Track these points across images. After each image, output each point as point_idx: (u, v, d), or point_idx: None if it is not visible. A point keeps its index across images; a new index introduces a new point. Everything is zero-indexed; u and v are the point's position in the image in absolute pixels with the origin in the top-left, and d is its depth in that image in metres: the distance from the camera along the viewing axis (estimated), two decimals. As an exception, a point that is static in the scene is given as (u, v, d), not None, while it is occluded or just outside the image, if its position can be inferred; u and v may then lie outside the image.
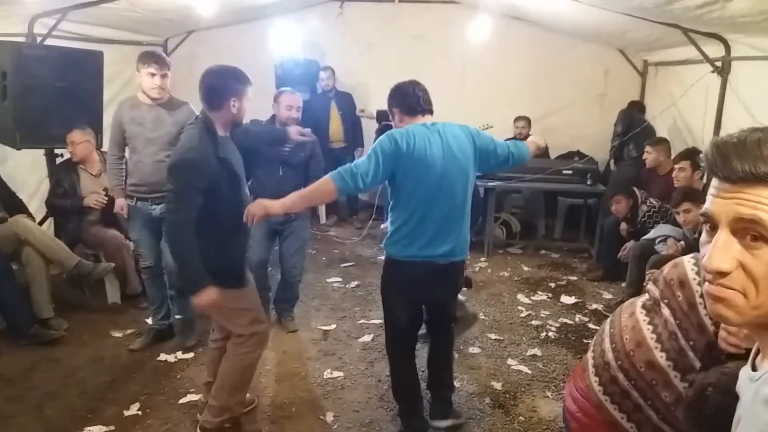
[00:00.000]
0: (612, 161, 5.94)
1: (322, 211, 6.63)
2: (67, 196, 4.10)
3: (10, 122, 3.81)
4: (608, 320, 1.93)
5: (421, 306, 2.81)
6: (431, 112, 2.63)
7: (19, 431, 2.76)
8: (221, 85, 2.45)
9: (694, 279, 1.68)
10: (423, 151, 2.44)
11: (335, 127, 6.29)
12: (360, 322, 4.09)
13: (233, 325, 2.64)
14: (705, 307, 1.64)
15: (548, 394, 3.24)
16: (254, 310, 2.66)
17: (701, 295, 1.65)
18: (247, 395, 2.86)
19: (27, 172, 4.45)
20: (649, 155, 4.86)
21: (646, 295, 1.84)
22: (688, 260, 1.74)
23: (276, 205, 2.46)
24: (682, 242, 3.96)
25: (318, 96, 6.42)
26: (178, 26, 6.29)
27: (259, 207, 2.43)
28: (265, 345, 2.79)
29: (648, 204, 4.55)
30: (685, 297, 1.68)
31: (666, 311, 1.71)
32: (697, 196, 3.73)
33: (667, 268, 1.79)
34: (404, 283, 2.64)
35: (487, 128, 4.59)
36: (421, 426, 2.82)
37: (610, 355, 1.78)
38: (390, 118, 2.73)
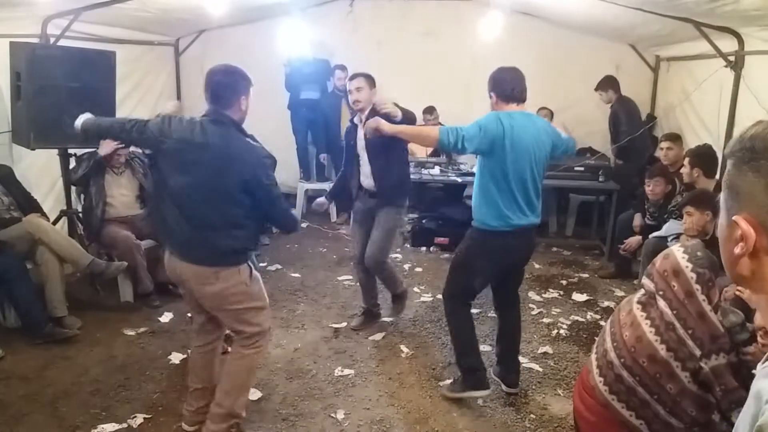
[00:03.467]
0: (615, 158, 5.84)
1: (332, 209, 6.64)
2: (90, 184, 4.19)
3: (24, 122, 3.85)
4: (609, 320, 1.94)
5: (495, 274, 3.08)
6: (524, 101, 2.90)
7: (34, 429, 2.79)
8: (232, 83, 2.41)
9: (687, 267, 1.71)
10: (520, 137, 2.75)
11: (346, 124, 6.28)
12: (370, 319, 4.09)
13: (251, 326, 2.59)
14: (702, 293, 1.65)
15: (559, 391, 3.23)
16: (268, 306, 2.65)
17: (697, 282, 1.67)
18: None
19: (41, 172, 4.50)
20: (671, 151, 4.65)
21: (641, 291, 1.86)
22: (677, 249, 1.78)
23: (387, 126, 2.96)
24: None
25: (328, 94, 6.43)
26: (189, 26, 6.33)
27: (374, 122, 2.96)
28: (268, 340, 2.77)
29: (683, 196, 4.45)
30: (680, 286, 1.70)
31: (662, 303, 1.73)
32: (707, 200, 3.58)
33: (659, 260, 1.82)
34: (497, 250, 2.93)
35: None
36: (486, 378, 3.08)
37: (612, 354, 1.79)
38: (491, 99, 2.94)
